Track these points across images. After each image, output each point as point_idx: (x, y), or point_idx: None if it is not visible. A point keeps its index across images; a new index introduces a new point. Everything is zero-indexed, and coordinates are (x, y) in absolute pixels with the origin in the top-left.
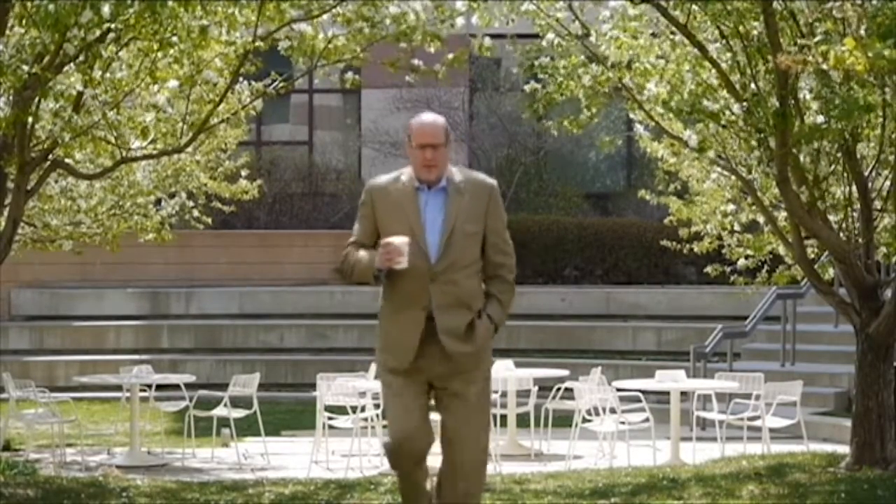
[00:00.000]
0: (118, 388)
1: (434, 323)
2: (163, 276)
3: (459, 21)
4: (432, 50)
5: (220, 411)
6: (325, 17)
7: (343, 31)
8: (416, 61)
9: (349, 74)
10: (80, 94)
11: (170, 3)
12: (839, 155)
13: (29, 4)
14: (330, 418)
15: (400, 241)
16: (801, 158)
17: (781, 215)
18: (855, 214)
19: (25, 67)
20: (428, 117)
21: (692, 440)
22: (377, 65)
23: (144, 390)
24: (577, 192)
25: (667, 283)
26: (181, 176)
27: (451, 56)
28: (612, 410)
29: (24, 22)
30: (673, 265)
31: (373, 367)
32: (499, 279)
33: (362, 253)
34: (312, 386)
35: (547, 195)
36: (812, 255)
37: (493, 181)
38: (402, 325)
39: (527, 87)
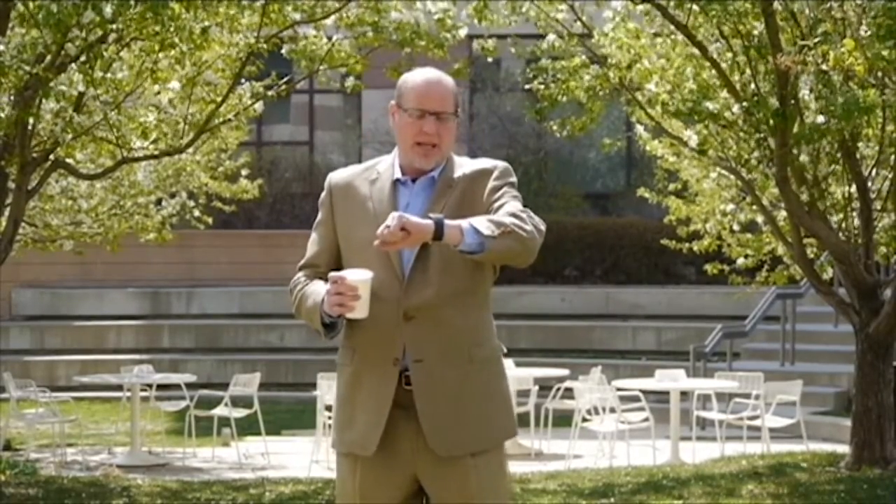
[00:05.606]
0: (119, 387)
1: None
2: (163, 275)
3: (462, 32)
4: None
5: (220, 411)
6: (327, 20)
7: (346, 36)
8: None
9: (350, 80)
10: (82, 94)
11: (171, 5)
12: (839, 155)
13: (31, 4)
14: (330, 418)
15: (357, 277)
16: (801, 158)
17: (781, 215)
18: (854, 214)
19: (27, 67)
20: (432, 74)
21: (692, 440)
22: (378, 65)
23: (145, 390)
24: (577, 192)
25: (667, 283)
26: (182, 176)
27: (455, 66)
28: (612, 410)
29: (25, 22)
30: (673, 265)
31: None
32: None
33: (313, 287)
34: (313, 385)
35: (547, 195)
36: (812, 255)
37: (499, 162)
38: (366, 386)
39: (529, 87)
